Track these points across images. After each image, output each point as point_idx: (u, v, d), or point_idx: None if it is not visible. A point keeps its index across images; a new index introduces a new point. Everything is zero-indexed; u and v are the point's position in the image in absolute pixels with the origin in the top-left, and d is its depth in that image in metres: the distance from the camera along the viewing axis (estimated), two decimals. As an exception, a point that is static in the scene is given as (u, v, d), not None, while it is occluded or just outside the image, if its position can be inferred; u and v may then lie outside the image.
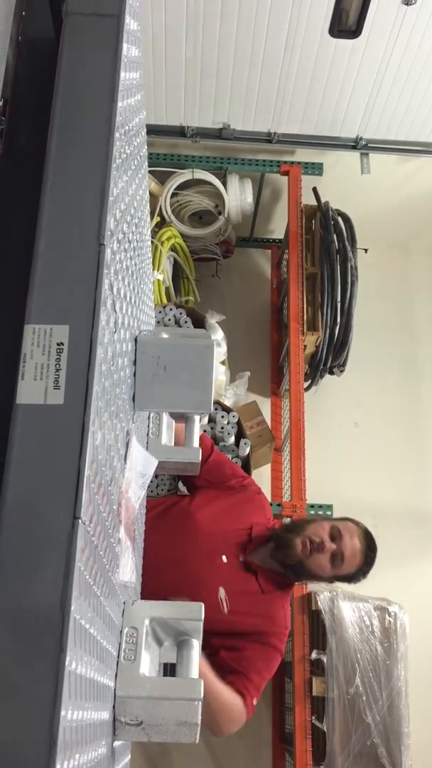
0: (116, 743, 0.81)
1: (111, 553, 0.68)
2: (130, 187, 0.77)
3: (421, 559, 3.40)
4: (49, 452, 0.54)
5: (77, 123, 0.65)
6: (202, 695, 0.78)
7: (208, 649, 1.87)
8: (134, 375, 0.86)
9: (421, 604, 3.14)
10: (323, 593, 2.62)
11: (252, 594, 1.98)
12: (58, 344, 0.57)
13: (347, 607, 2.64)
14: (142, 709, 0.72)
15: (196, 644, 0.86)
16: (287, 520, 2.15)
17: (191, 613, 0.84)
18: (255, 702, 1.87)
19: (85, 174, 0.63)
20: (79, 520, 0.51)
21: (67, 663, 0.46)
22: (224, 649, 1.89)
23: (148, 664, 0.78)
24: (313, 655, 2.64)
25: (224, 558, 1.99)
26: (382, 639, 2.66)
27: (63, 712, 0.45)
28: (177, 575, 1.90)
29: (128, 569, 0.82)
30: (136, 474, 0.81)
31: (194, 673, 0.82)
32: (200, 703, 0.77)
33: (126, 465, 0.76)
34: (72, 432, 0.54)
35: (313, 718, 2.57)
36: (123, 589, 0.80)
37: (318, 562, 1.95)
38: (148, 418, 1.17)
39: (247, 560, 2.01)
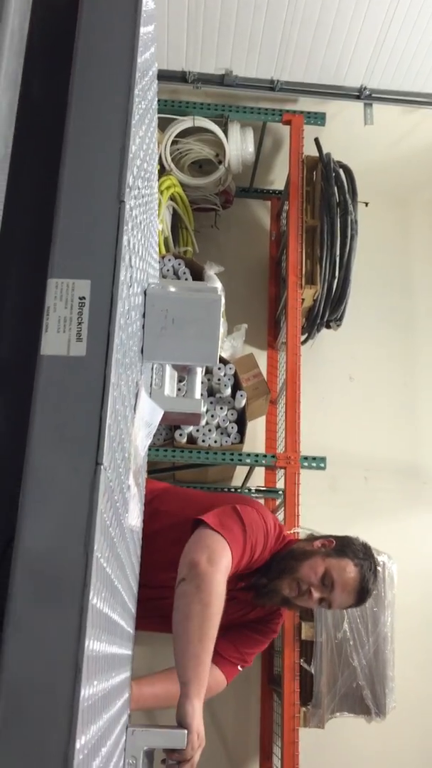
0: (119, 678, 0.86)
1: (122, 498, 0.72)
2: (144, 142, 0.77)
3: (411, 511, 3.48)
4: (72, 401, 0.56)
5: (97, 79, 0.65)
6: None
7: None
8: (143, 327, 0.88)
9: (409, 555, 3.23)
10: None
11: (240, 616, 1.93)
12: (80, 298, 0.59)
13: (337, 555, 2.71)
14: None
15: None
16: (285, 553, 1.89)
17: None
18: (240, 667, 1.94)
19: (106, 131, 0.64)
20: (101, 466, 0.54)
21: (90, 597, 0.50)
22: None
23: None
24: (303, 601, 2.72)
25: None
26: (370, 587, 2.75)
27: (87, 642, 0.48)
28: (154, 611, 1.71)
29: (135, 514, 0.85)
30: (143, 424, 0.84)
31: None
32: None
33: (135, 415, 0.79)
34: (94, 383, 0.57)
35: (302, 660, 2.67)
36: (130, 534, 0.84)
37: (303, 603, 1.87)
38: (152, 369, 1.19)
39: (235, 591, 1.84)
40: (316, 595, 1.82)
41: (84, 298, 0.58)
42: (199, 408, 1.18)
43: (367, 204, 3.45)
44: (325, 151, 3.32)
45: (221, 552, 1.64)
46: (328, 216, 3.19)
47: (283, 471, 2.84)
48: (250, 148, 3.42)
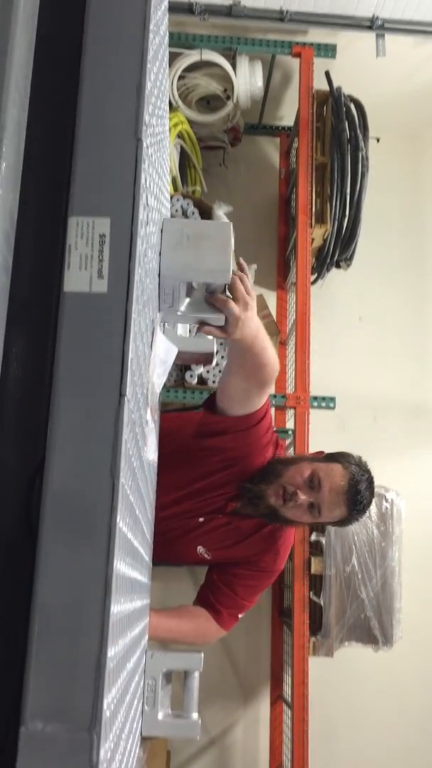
0: (140, 602, 0.90)
1: (141, 432, 0.74)
2: (158, 78, 0.77)
3: (419, 449, 3.52)
4: (96, 336, 0.58)
5: (112, 15, 0.64)
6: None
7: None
8: (160, 253, 0.90)
9: (417, 492, 3.29)
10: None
11: (235, 543, 1.89)
12: (100, 236, 0.60)
13: (346, 493, 2.76)
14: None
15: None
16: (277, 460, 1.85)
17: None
18: (240, 615, 1.93)
19: (122, 68, 0.63)
20: (125, 398, 0.56)
21: (117, 520, 0.53)
22: (217, 569, 1.93)
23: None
24: (313, 537, 2.79)
25: (201, 519, 1.87)
26: (378, 523, 2.81)
27: (114, 561, 0.51)
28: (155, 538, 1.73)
29: (152, 449, 0.88)
30: (159, 362, 0.86)
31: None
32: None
33: (152, 352, 0.81)
34: (116, 318, 0.58)
35: (311, 593, 2.75)
36: (148, 467, 0.87)
37: (293, 512, 1.75)
38: None
39: (229, 514, 1.86)
40: (302, 497, 1.71)
41: (104, 235, 0.60)
42: (211, 347, 1.20)
43: (378, 140, 3.38)
44: (335, 84, 3.24)
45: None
46: (338, 152, 3.14)
47: (292, 411, 2.88)
48: (259, 82, 3.34)
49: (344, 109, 3.18)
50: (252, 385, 1.69)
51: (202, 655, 1.16)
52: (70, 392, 0.56)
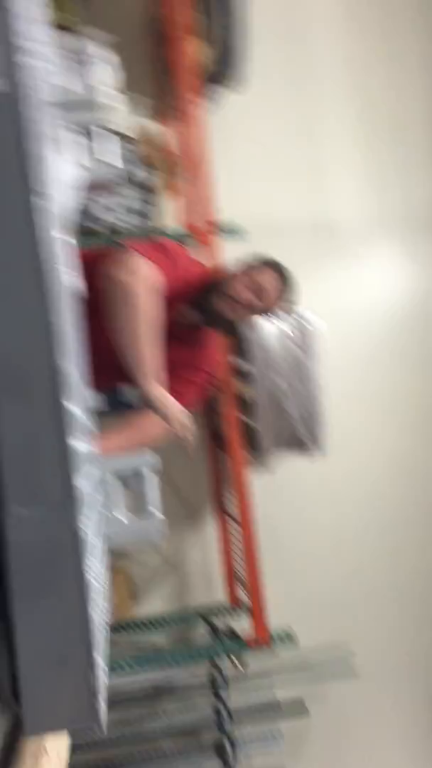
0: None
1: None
2: None
3: (326, 267, 3.56)
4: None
5: None
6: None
7: None
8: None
9: (330, 310, 3.36)
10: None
11: (177, 360, 2.04)
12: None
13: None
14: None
15: None
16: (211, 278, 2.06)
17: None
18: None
19: None
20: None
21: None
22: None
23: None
24: (240, 364, 2.87)
25: None
26: (300, 344, 2.91)
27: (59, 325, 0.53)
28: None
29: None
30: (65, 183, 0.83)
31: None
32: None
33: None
34: (20, 117, 0.55)
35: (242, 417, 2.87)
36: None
37: (247, 320, 2.11)
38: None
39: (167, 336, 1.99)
40: (257, 304, 1.99)
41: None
42: (159, 526, 1.13)
43: None
44: None
45: (136, 261, 1.75)
46: None
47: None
48: None
49: None
50: None
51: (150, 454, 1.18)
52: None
